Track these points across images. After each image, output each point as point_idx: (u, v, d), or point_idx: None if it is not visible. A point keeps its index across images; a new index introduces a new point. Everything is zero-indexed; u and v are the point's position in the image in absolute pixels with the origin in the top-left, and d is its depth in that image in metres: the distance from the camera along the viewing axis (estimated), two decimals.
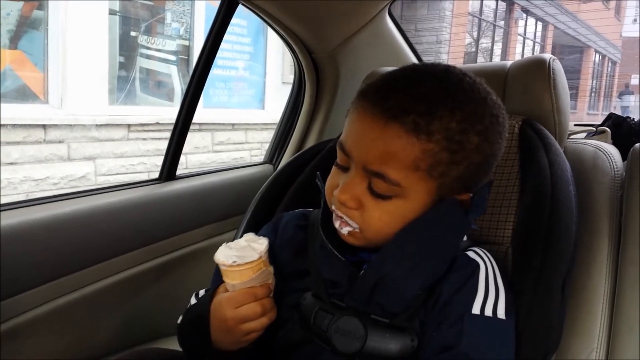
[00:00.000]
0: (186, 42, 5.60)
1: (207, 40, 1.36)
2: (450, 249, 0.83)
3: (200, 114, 4.57)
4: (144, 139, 4.95)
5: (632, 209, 0.97)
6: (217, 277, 0.88)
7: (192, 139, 5.19)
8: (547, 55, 1.08)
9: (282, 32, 1.48)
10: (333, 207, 0.83)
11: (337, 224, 0.83)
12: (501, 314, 0.77)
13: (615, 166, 1.02)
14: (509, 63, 1.14)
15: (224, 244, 0.82)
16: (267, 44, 6.32)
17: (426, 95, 0.76)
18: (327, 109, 1.62)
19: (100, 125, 4.66)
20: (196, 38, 5.59)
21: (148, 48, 5.33)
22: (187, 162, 5.16)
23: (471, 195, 0.82)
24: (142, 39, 5.27)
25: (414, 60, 1.66)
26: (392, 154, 0.75)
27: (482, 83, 0.82)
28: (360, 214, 0.80)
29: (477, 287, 0.79)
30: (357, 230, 0.81)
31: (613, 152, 1.06)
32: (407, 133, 0.74)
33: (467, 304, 0.77)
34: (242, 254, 0.79)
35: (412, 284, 0.80)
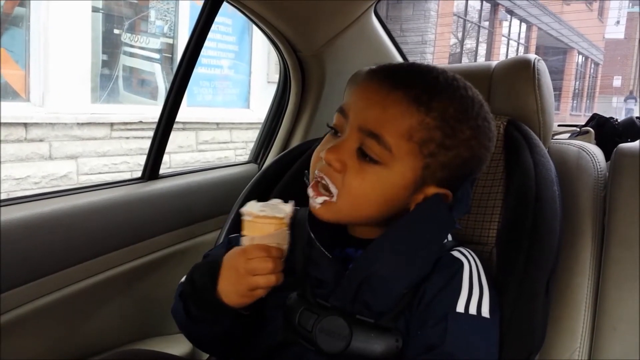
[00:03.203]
0: (170, 40, 5.56)
1: (191, 38, 1.35)
2: (435, 247, 0.83)
3: (185, 113, 4.55)
4: (127, 138, 4.91)
5: (615, 209, 0.98)
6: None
7: (176, 138, 5.15)
8: (532, 56, 1.08)
9: (267, 30, 1.47)
10: (315, 172, 0.83)
11: (311, 194, 0.83)
12: (485, 312, 0.77)
13: (598, 166, 1.03)
14: (494, 63, 1.15)
15: (253, 201, 0.82)
16: (252, 42, 6.31)
17: (432, 79, 0.82)
18: (313, 108, 1.61)
19: (83, 123, 4.62)
20: (180, 36, 5.55)
21: (131, 46, 5.28)
22: (171, 161, 5.12)
23: (450, 195, 0.83)
24: (126, 37, 5.22)
25: (400, 60, 1.66)
26: (390, 117, 0.79)
27: (480, 95, 0.86)
28: (342, 177, 0.80)
29: (461, 285, 0.79)
30: (333, 199, 0.81)
31: (596, 152, 1.07)
32: (408, 101, 0.79)
33: (451, 303, 0.77)
34: (270, 209, 0.80)
35: (398, 282, 0.80)
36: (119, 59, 5.20)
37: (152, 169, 1.40)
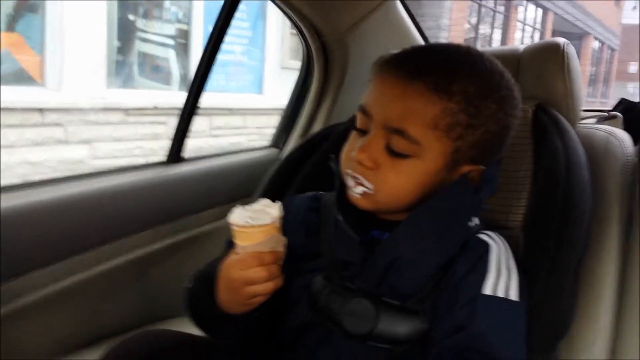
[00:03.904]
0: (184, 27, 5.56)
1: (217, 22, 1.35)
2: (462, 229, 0.83)
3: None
4: (142, 123, 4.91)
5: None
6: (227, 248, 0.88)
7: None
8: (562, 40, 1.07)
9: (291, 14, 1.46)
10: (348, 170, 0.83)
11: (351, 184, 0.83)
12: (513, 295, 0.77)
13: (626, 152, 1.02)
14: (521, 47, 1.13)
15: (239, 206, 0.81)
16: (265, 28, 6.28)
17: (448, 61, 0.81)
18: (335, 93, 1.60)
19: (98, 109, 4.63)
20: (194, 22, 5.54)
21: (146, 32, 5.28)
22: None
23: (482, 170, 0.82)
24: (141, 23, 5.22)
25: (423, 44, 1.64)
26: (412, 110, 0.77)
27: (499, 63, 0.84)
28: (376, 174, 0.80)
29: (488, 267, 0.78)
30: (371, 191, 0.81)
31: (625, 137, 1.05)
32: (428, 91, 0.77)
33: (478, 285, 0.77)
34: (255, 216, 0.79)
35: (424, 265, 0.80)
36: (134, 44, 5.21)
37: (176, 152, 1.41)
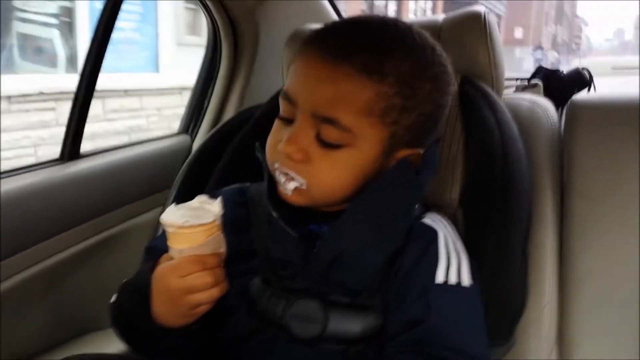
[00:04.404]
0: (68, 4, 5.14)
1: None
2: (407, 215, 0.78)
3: None
4: (27, 111, 4.51)
5: (573, 162, 0.97)
6: (150, 256, 0.80)
7: None
8: (482, 9, 1.05)
9: None
10: (276, 165, 0.75)
11: (281, 181, 0.75)
12: (466, 279, 0.74)
13: (552, 120, 1.02)
14: (440, 18, 1.10)
15: (172, 205, 0.71)
16: (157, 3, 6.00)
17: (375, 37, 0.74)
18: (247, 72, 1.49)
19: None
20: None
21: (25, 11, 4.83)
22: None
23: (420, 152, 0.77)
24: (19, 2, 4.76)
25: (336, 18, 1.57)
26: (343, 96, 0.70)
27: (428, 35, 0.78)
28: (307, 167, 0.73)
29: (438, 255, 0.74)
30: (304, 187, 0.74)
31: (548, 105, 1.05)
32: (358, 74, 0.70)
33: (429, 275, 0.73)
34: (193, 214, 0.70)
35: (371, 257, 0.75)
36: (11, 25, 4.75)
37: (72, 147, 1.25)
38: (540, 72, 1.26)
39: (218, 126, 1.18)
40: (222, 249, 0.72)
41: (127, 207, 1.37)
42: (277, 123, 0.78)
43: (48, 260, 1.20)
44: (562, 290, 0.94)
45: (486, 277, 0.79)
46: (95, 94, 1.26)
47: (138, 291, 0.73)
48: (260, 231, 0.81)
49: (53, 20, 5.10)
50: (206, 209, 0.71)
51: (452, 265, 0.74)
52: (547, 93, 1.20)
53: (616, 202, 0.93)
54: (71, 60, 5.18)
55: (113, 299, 0.78)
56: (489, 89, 0.99)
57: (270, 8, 1.48)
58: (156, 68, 6.09)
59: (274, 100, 1.03)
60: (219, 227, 0.72)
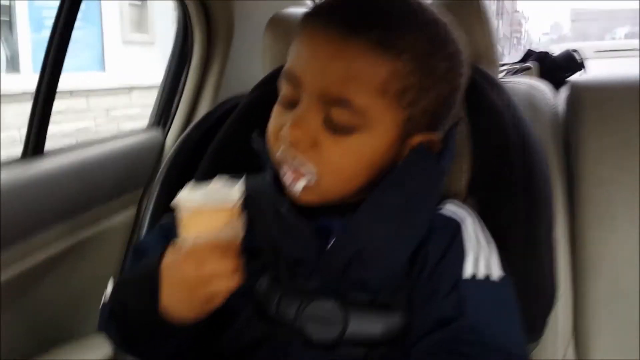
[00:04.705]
0: (5, 2, 4.88)
1: None
2: (430, 205, 0.72)
3: (30, 82, 4.06)
4: None
5: (580, 146, 0.93)
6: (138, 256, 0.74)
7: (24, 111, 4.56)
8: None
9: None
10: (280, 155, 0.67)
11: (288, 180, 0.67)
12: (497, 271, 0.67)
13: (550, 102, 0.99)
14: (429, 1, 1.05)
15: (187, 187, 0.64)
16: (100, 2, 5.79)
17: (389, 11, 0.67)
18: (222, 60, 1.39)
19: None
20: None
21: None
22: (21, 137, 4.55)
23: (437, 138, 0.71)
24: None
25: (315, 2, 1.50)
26: (355, 74, 0.64)
27: (437, 11, 0.72)
28: (316, 154, 0.65)
29: (465, 247, 0.68)
30: (313, 180, 0.66)
31: (545, 88, 1.02)
32: (372, 49, 0.64)
33: (458, 269, 0.66)
34: (214, 197, 0.62)
35: (395, 252, 0.69)
36: None
37: (35, 144, 1.13)
38: (531, 55, 1.23)
39: (201, 117, 1.09)
40: (239, 240, 0.64)
41: (97, 209, 1.27)
42: (277, 108, 0.71)
43: (13, 267, 1.08)
44: (576, 281, 0.90)
45: (516, 271, 0.73)
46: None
47: (144, 284, 0.65)
48: (264, 227, 0.72)
49: None
50: (224, 193, 0.63)
51: (481, 258, 0.68)
52: (542, 76, 1.17)
53: (629, 186, 0.90)
54: (12, 60, 4.92)
55: (105, 299, 0.70)
56: (488, 73, 0.94)
57: None
58: (102, 67, 5.87)
59: (264, 86, 0.95)
60: (239, 213, 0.64)
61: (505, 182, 0.82)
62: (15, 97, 4.33)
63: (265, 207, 0.71)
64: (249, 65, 1.39)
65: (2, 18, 4.87)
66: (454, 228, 0.70)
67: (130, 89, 5.44)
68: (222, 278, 0.61)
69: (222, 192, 0.63)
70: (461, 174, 0.90)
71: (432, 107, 0.68)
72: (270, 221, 0.71)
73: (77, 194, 1.21)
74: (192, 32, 1.38)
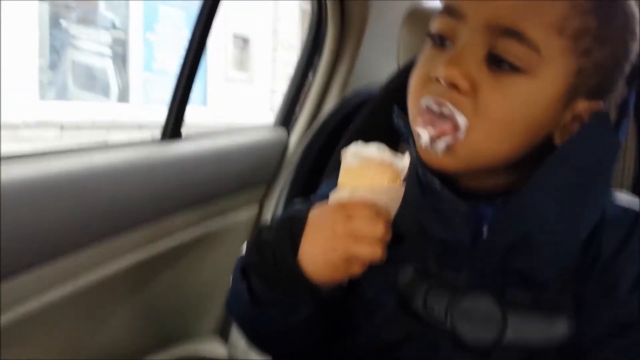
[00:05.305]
0: (122, 35, 5.22)
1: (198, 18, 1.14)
2: (606, 185, 0.61)
3: (139, 113, 4.14)
4: (78, 139, 4.53)
5: None
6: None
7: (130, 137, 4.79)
8: None
9: None
10: (421, 105, 0.58)
11: (425, 137, 0.57)
12: None
13: None
14: None
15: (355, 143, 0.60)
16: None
17: None
18: (352, 56, 1.35)
19: (31, 124, 4.23)
20: (132, 29, 5.23)
21: (78, 39, 4.92)
22: None
23: (602, 107, 0.60)
24: (74, 29, 4.85)
25: None
26: (532, 4, 0.55)
27: None
28: (471, 102, 0.55)
29: None
30: (462, 137, 0.56)
31: None
32: None
33: (638, 264, 0.57)
34: (386, 154, 0.58)
35: (567, 237, 0.58)
36: (67, 53, 4.84)
37: (174, 127, 1.13)
38: None
39: (330, 111, 1.07)
40: (394, 211, 0.58)
41: (223, 202, 1.25)
42: (427, 52, 0.62)
43: (138, 252, 1.07)
44: None
45: None
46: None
47: (289, 225, 0.60)
48: (408, 209, 0.62)
49: (107, 50, 5.16)
50: (393, 158, 0.58)
51: None
52: None
53: None
54: (123, 91, 5.23)
55: (243, 250, 0.64)
56: None
57: None
58: (204, 102, 6.12)
59: (404, 74, 0.90)
60: (402, 183, 0.59)
61: None
62: (122, 125, 4.60)
63: (410, 185, 0.62)
64: (378, 63, 1.35)
65: (117, 49, 5.22)
66: (632, 219, 0.60)
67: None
68: (366, 242, 0.55)
69: (390, 154, 0.58)
70: (625, 170, 0.78)
71: (604, 65, 0.58)
72: (418, 201, 0.62)
73: (208, 183, 1.20)
74: (325, 27, 1.36)
